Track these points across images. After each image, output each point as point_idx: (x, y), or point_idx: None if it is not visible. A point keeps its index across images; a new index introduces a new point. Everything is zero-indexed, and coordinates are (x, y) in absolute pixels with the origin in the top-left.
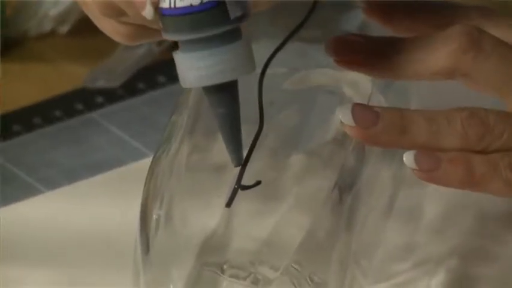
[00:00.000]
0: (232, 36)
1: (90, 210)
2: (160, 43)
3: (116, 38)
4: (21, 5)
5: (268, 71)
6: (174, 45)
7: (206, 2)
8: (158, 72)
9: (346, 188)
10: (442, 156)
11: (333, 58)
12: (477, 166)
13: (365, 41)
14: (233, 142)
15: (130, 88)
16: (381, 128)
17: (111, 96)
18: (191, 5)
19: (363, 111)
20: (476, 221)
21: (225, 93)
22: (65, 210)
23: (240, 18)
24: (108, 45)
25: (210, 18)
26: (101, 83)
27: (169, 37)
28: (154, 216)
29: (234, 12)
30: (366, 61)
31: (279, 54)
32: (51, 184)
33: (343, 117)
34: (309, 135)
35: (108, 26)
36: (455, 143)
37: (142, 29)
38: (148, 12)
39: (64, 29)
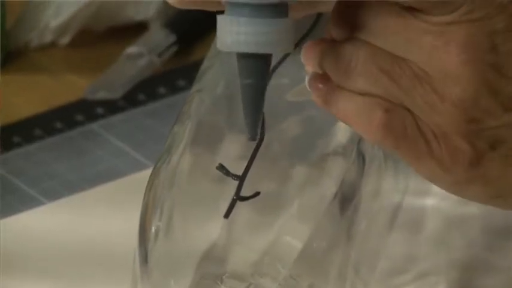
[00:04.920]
0: (279, 11)
1: (91, 221)
2: (160, 54)
3: None
4: (22, 17)
5: (271, 81)
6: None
7: None
8: (159, 83)
9: (346, 199)
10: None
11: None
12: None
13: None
14: (252, 116)
15: (131, 99)
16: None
17: (111, 107)
18: None
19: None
20: (477, 233)
21: (257, 65)
22: (65, 222)
23: None
24: (108, 56)
25: None
26: (101, 94)
27: None
28: (153, 227)
29: None
30: None
31: (282, 66)
32: (52, 195)
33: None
34: (310, 147)
35: None
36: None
37: None
38: None
39: (65, 40)
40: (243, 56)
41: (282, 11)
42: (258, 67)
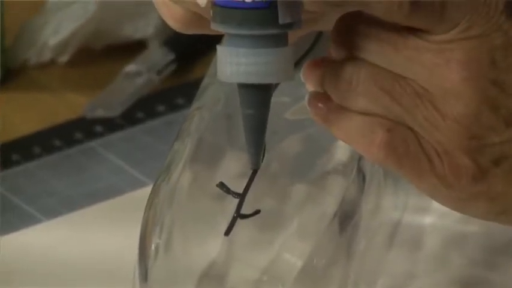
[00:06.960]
0: (278, 41)
1: (90, 238)
2: (159, 72)
3: (169, 22)
4: (21, 35)
5: (272, 100)
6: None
7: (259, 2)
8: (157, 101)
9: (346, 217)
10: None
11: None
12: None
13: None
14: (254, 145)
15: (130, 117)
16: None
17: (110, 125)
18: (243, 1)
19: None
20: (477, 251)
21: (257, 95)
22: (64, 239)
23: (289, 25)
24: (107, 74)
25: (259, 18)
26: (100, 113)
27: (216, 27)
28: (153, 245)
29: (284, 18)
30: None
31: (282, 84)
32: (51, 213)
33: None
34: (310, 165)
35: (164, 8)
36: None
37: (196, 17)
38: None
39: (63, 58)
40: (243, 87)
41: (281, 40)
42: (259, 97)
